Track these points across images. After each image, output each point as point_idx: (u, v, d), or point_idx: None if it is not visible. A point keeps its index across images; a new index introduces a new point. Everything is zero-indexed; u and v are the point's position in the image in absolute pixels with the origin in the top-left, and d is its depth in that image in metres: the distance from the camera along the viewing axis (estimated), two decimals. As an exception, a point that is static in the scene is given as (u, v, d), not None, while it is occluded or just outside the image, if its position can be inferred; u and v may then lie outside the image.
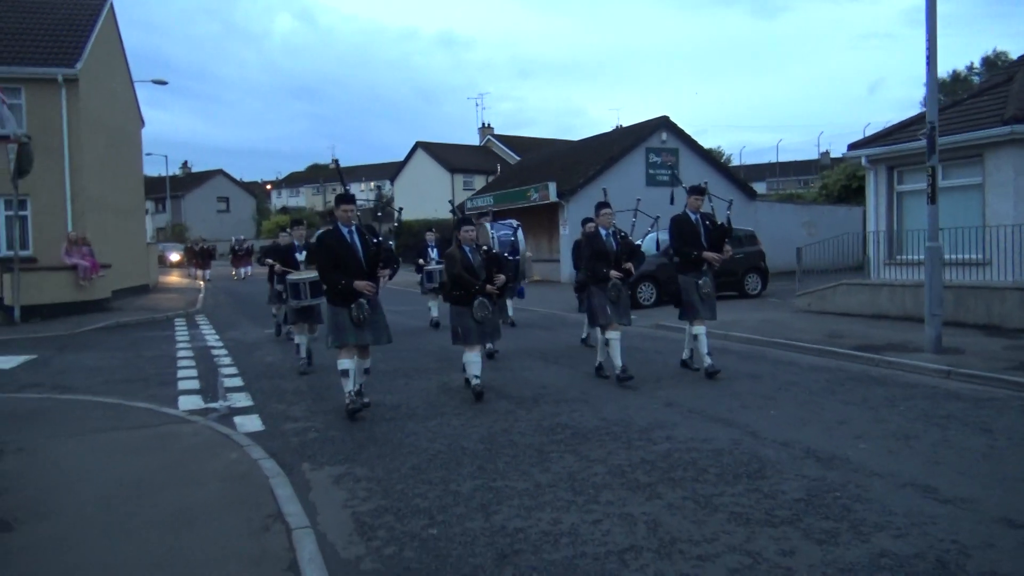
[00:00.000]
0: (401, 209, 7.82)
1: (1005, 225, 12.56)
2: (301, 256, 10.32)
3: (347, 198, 6.95)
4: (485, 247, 8.07)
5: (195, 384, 9.00)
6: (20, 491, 4.78)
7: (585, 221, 10.52)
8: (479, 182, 47.84)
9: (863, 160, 15.25)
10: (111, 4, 20.85)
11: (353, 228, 6.96)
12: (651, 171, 27.05)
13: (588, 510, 4.50)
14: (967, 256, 13.18)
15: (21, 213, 17.11)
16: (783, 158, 67.08)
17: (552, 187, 26.12)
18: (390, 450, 5.89)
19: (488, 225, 11.62)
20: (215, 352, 11.69)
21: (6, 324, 14.97)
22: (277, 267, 10.86)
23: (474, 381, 7.59)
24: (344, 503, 4.75)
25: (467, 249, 7.71)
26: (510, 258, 10.23)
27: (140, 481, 5.04)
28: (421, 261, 13.93)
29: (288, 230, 11.97)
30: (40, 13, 19.78)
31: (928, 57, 9.50)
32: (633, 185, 26.34)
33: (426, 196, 47.61)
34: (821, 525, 4.18)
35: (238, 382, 9.07)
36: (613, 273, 8.18)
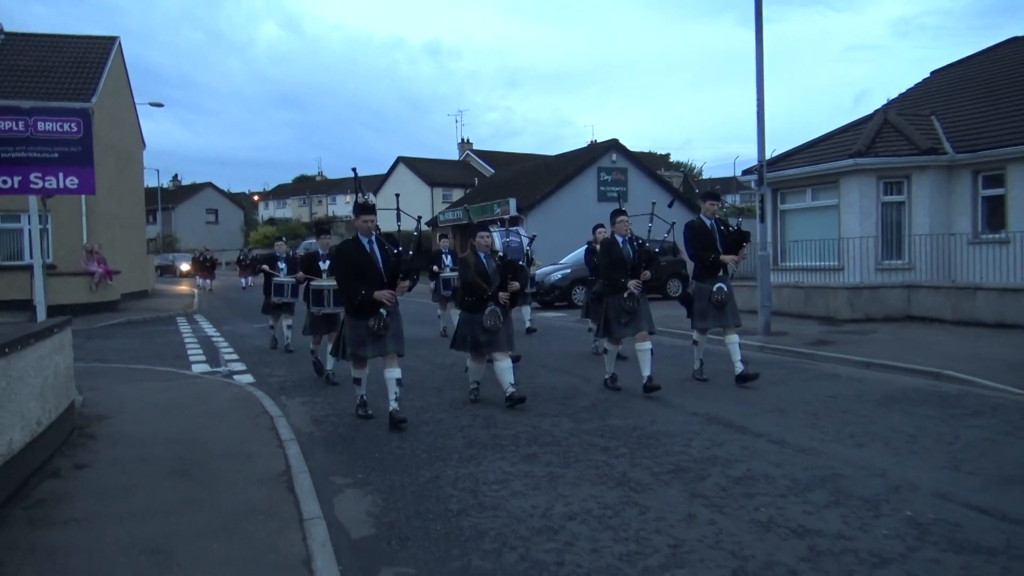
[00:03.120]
0: (420, 217, 8.77)
1: (853, 238, 15.65)
2: (324, 265, 10.01)
3: (367, 208, 6.89)
4: (501, 254, 7.97)
5: (202, 358, 11.91)
6: (103, 404, 7.66)
7: (596, 227, 10.89)
8: (458, 195, 50.78)
9: (752, 183, 18.33)
10: (119, 43, 23.75)
11: (373, 238, 6.91)
12: (602, 188, 30.14)
13: (454, 415, 7.44)
14: (828, 263, 16.24)
15: (42, 227, 19.90)
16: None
17: (512, 203, 29.12)
18: (341, 391, 8.77)
19: (496, 233, 11.23)
20: (214, 339, 14.58)
21: (34, 320, 17.76)
22: (301, 275, 10.50)
23: (472, 385, 7.89)
24: (307, 412, 7.69)
25: (482, 255, 7.61)
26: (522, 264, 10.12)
27: (177, 402, 7.96)
28: (436, 268, 13.67)
29: (283, 239, 13.74)
30: (57, 50, 22.66)
31: (758, 111, 12.56)
32: (586, 201, 29.54)
33: (407, 209, 50.34)
34: (583, 416, 7.15)
35: (234, 356, 11.98)
36: (631, 283, 8.06)
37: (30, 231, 19.76)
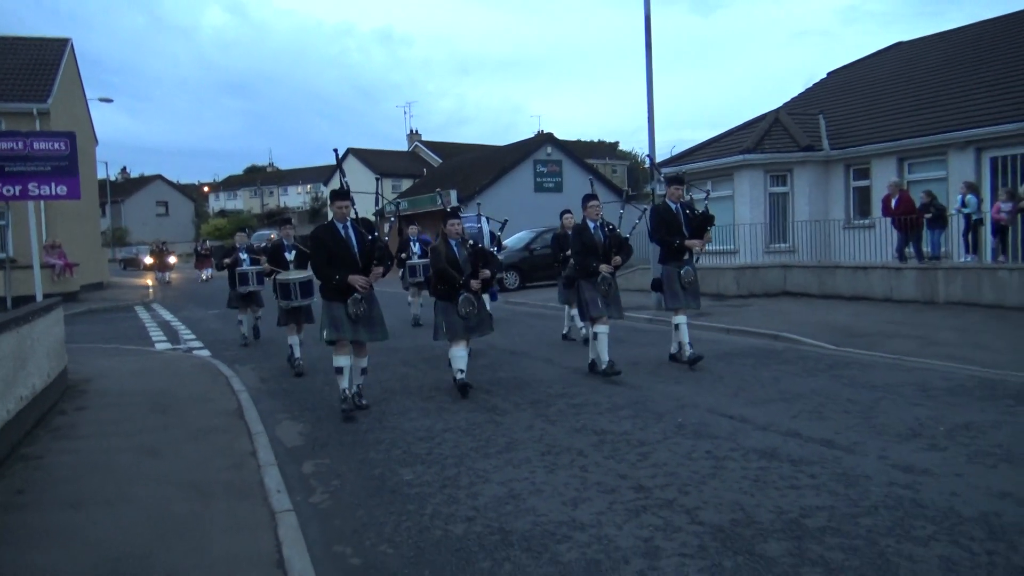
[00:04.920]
0: (399, 203, 9.02)
1: (745, 224, 17.75)
2: (291, 256, 9.93)
3: (342, 194, 6.88)
4: (471, 241, 7.96)
5: (163, 338, 13.49)
6: (84, 372, 9.24)
7: (563, 212, 10.90)
8: (407, 185, 52.21)
9: (662, 177, 20.33)
10: (72, 45, 24.82)
11: (348, 224, 6.92)
12: (538, 179, 32.06)
13: (376, 373, 9.21)
14: (726, 247, 18.32)
15: (1, 222, 21.11)
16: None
17: (453, 194, 30.80)
18: (281, 362, 10.47)
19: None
20: (172, 324, 16.09)
21: (2, 311, 19.03)
22: (267, 266, 10.32)
23: (459, 376, 7.60)
24: (255, 375, 9.39)
25: (453, 243, 7.62)
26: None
27: (147, 369, 9.60)
28: (404, 255, 13.40)
29: (245, 231, 13.53)
30: (12, 53, 23.66)
31: (649, 116, 14.50)
32: (523, 192, 31.41)
33: (357, 199, 51.76)
34: (480, 371, 8.95)
35: (192, 337, 13.57)
36: (603, 267, 8.10)
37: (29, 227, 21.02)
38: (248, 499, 4.52)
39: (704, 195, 10.05)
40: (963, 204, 13.13)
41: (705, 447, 5.56)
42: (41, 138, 8.43)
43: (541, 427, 6.32)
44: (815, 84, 23.25)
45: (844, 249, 16.89)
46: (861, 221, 17.01)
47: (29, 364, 6.10)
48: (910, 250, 14.02)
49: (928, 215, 13.36)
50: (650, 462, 5.26)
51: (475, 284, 7.48)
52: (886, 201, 14.16)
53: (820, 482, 4.72)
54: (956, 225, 13.80)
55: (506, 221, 13.17)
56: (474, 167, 35.87)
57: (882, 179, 16.58)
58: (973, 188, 13.30)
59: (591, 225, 8.20)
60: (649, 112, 14.65)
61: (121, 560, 3.63)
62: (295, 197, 79.38)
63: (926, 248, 13.82)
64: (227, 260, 11.81)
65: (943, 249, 13.88)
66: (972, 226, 13.25)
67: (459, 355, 7.60)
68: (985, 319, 11.43)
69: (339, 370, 7.02)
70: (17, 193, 8.65)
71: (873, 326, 11.38)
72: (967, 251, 13.48)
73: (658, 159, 19.48)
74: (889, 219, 14.27)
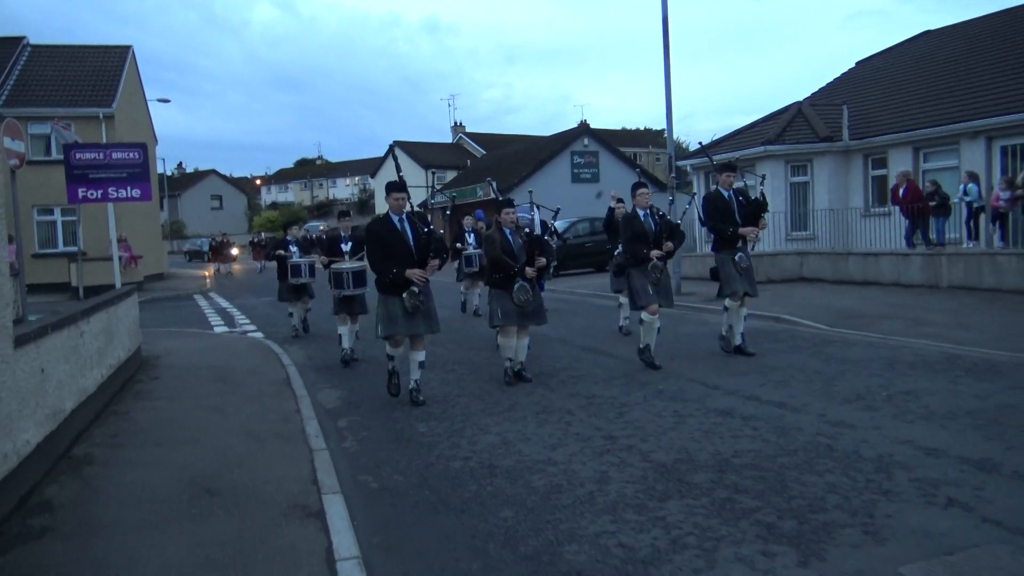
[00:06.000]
0: (455, 196, 9.55)
1: (767, 213, 18.43)
2: (347, 247, 9.93)
3: (398, 186, 6.82)
4: (527, 230, 8.00)
5: (220, 322, 14.88)
6: (154, 350, 10.59)
7: (618, 199, 11.17)
8: (451, 177, 53.54)
9: (688, 168, 21.15)
10: (133, 51, 26.54)
11: (404, 216, 6.89)
12: (575, 170, 32.96)
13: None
14: (748, 235, 19.04)
15: (72, 218, 22.90)
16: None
17: (494, 184, 31.90)
18: (327, 344, 11.70)
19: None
20: (228, 310, 17.54)
21: (75, 299, 20.76)
22: (325, 258, 10.05)
23: (506, 364, 7.88)
24: (303, 352, 10.63)
25: (507, 231, 7.69)
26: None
27: (208, 348, 10.90)
28: (459, 245, 13.52)
29: (294, 227, 13.03)
30: (78, 60, 25.46)
31: (667, 112, 15.35)
32: (561, 182, 32.34)
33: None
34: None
35: (247, 321, 14.94)
36: (654, 253, 8.10)
37: (70, 222, 22.79)
38: (292, 442, 5.68)
39: (759, 179, 10.12)
40: (965, 192, 13.74)
41: (674, 408, 6.55)
42: (118, 149, 9.82)
43: (541, 393, 7.37)
44: (843, 74, 23.67)
45: (862, 237, 17.51)
46: (879, 209, 17.60)
47: (115, 339, 7.37)
48: (918, 237, 14.65)
49: (933, 203, 13.99)
50: (625, 419, 6.28)
51: (530, 272, 7.61)
52: (895, 190, 14.81)
53: (759, 433, 5.69)
54: (959, 213, 14.40)
55: (559, 209, 13.70)
56: (515, 158, 36.91)
57: (899, 168, 17.15)
58: (974, 177, 13.89)
59: (640, 213, 8.25)
60: (667, 108, 15.48)
61: (197, 477, 4.81)
62: (344, 189, 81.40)
63: (932, 235, 14.45)
64: (279, 252, 11.96)
65: (949, 236, 14.50)
66: (974, 213, 13.85)
67: (509, 344, 7.80)
68: (980, 302, 12.10)
69: (391, 357, 7.35)
70: (99, 196, 10.07)
71: (873, 309, 12.14)
72: (970, 237, 14.09)
73: (692, 149, 20.21)
74: (898, 207, 14.91)
